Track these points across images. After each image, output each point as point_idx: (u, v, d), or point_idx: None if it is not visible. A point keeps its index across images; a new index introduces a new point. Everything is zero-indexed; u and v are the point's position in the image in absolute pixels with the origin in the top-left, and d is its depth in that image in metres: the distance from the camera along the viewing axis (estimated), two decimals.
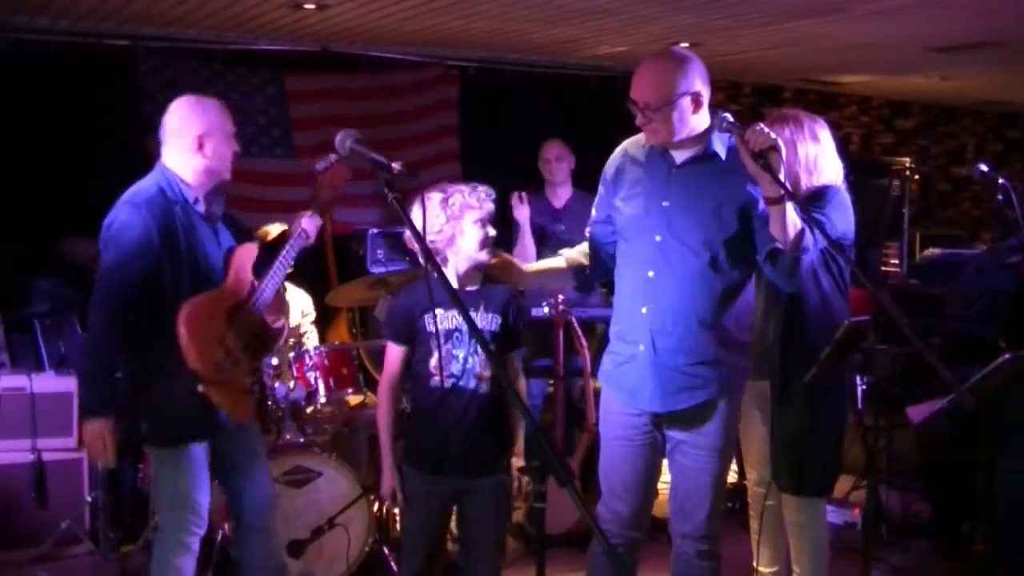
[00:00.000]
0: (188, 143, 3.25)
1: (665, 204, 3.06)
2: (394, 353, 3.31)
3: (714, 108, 2.99)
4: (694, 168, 3.06)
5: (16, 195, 5.71)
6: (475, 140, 6.98)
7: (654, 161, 3.11)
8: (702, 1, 5.28)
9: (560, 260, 3.46)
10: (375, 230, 6.29)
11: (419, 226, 2.68)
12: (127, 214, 3.19)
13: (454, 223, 3.19)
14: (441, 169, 6.95)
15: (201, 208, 3.31)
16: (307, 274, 5.37)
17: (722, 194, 3.04)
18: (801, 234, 2.87)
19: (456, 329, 3.20)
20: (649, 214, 3.08)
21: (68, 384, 4.89)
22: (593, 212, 3.37)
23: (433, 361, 3.19)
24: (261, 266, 3.39)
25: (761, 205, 2.99)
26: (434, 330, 3.14)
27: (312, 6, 5.42)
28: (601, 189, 3.32)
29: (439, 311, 3.12)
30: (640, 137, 3.17)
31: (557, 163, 5.58)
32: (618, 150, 3.27)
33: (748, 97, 8.47)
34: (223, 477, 3.45)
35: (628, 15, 5.63)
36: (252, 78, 6.48)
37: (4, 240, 5.55)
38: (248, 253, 3.39)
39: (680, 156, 3.07)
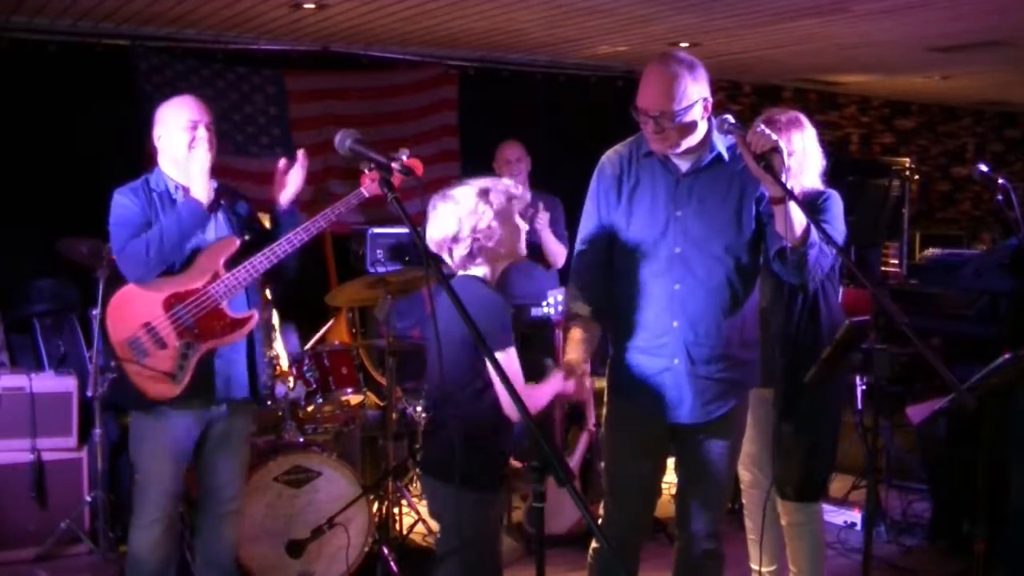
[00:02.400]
0: (156, 144, 3.54)
1: (679, 214, 3.02)
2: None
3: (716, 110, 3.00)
4: (704, 174, 3.04)
5: (16, 195, 5.71)
6: (474, 140, 6.97)
7: (656, 169, 3.06)
8: (702, 1, 5.28)
9: (585, 325, 3.14)
10: (375, 230, 6.30)
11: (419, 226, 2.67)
12: (114, 199, 3.48)
13: (504, 218, 2.93)
14: (440, 168, 6.94)
15: (182, 197, 3.47)
16: (306, 273, 5.37)
17: (735, 197, 3.03)
18: (808, 230, 2.86)
19: None
20: (663, 226, 3.02)
21: (68, 384, 4.88)
22: (581, 240, 3.17)
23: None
24: (243, 259, 3.49)
25: (765, 202, 3.00)
26: None
27: (312, 6, 5.41)
28: (592, 203, 3.16)
29: None
30: (630, 144, 3.12)
31: (518, 164, 5.47)
32: (608, 160, 3.16)
33: (748, 97, 8.46)
34: (196, 457, 3.60)
35: (628, 15, 5.63)
36: (252, 77, 6.47)
37: (4, 240, 5.55)
38: (223, 246, 3.49)
39: (684, 163, 3.04)
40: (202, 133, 3.44)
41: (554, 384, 2.98)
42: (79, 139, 5.84)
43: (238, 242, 3.51)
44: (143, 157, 5.99)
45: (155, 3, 5.30)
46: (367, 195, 3.68)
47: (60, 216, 5.43)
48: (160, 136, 3.49)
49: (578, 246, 3.20)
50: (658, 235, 3.03)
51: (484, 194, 2.93)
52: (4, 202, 5.67)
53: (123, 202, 3.44)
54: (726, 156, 3.04)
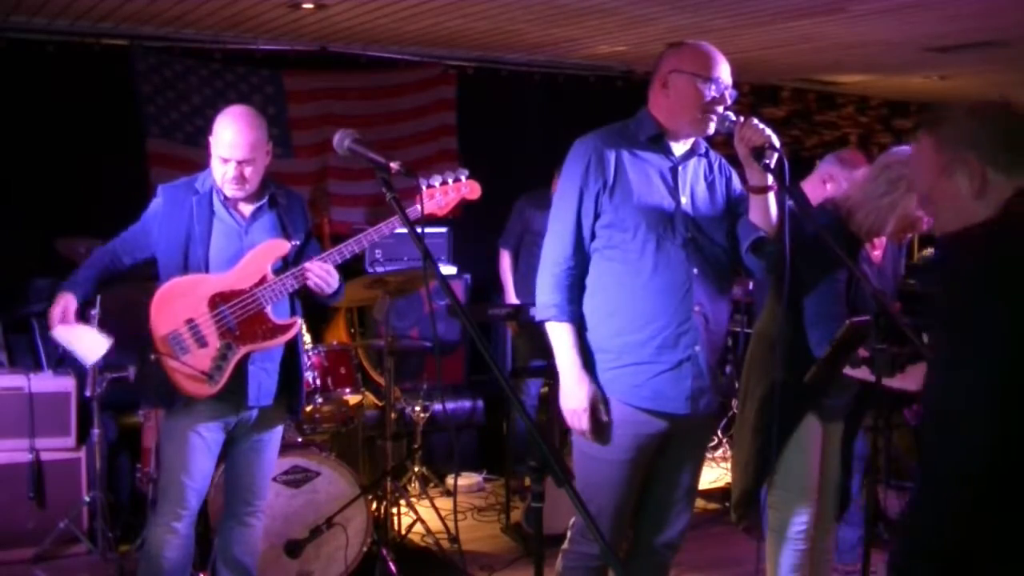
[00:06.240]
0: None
1: (684, 200, 3.00)
2: None
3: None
4: (695, 160, 3.07)
5: (14, 194, 5.71)
6: (473, 140, 6.98)
7: (651, 157, 3.02)
8: (700, 1, 5.28)
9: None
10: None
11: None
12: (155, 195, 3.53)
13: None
14: (439, 168, 6.94)
15: (225, 198, 3.46)
16: None
17: (720, 183, 3.08)
18: (782, 222, 2.89)
19: None
20: (671, 212, 2.97)
21: (66, 384, 4.88)
22: (562, 246, 2.98)
23: None
24: (293, 264, 3.46)
25: (738, 192, 3.05)
26: None
27: (310, 5, 5.41)
28: (572, 197, 2.97)
29: None
30: (610, 133, 3.05)
31: None
32: (594, 145, 2.99)
33: (746, 97, 8.46)
34: (225, 459, 3.62)
35: (627, 15, 5.63)
36: (250, 77, 6.47)
37: (2, 239, 5.55)
38: (271, 248, 3.45)
39: (679, 148, 3.05)
40: (231, 172, 3.37)
41: None
42: (78, 139, 5.84)
43: (288, 246, 3.46)
44: (142, 157, 6.02)
45: (153, 3, 5.29)
46: (420, 214, 3.48)
47: (59, 216, 5.44)
48: (211, 145, 3.42)
49: (560, 252, 3.00)
50: (667, 220, 2.96)
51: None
52: (3, 202, 5.67)
53: (153, 203, 3.49)
54: (703, 145, 3.10)
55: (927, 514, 1.98)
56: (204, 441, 3.45)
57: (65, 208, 5.60)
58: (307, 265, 3.41)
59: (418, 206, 3.42)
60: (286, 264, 3.46)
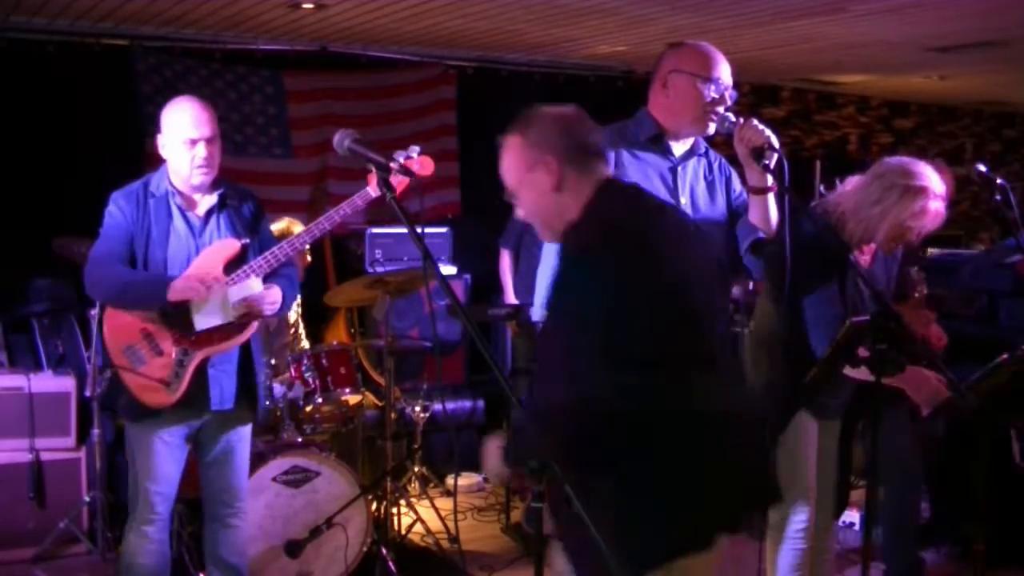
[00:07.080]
0: (160, 150, 3.40)
1: (683, 200, 3.00)
2: None
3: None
4: (694, 160, 3.07)
5: (14, 194, 5.71)
6: (473, 140, 6.97)
7: (650, 156, 3.02)
8: (701, 1, 5.28)
9: None
10: (373, 229, 6.30)
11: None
12: (108, 204, 3.41)
13: None
14: (439, 168, 6.93)
15: (180, 201, 3.40)
16: (305, 273, 5.38)
17: (720, 183, 3.07)
18: (782, 223, 2.89)
19: None
20: None
21: (66, 384, 4.88)
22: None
23: None
24: (242, 262, 3.40)
25: (737, 192, 3.02)
26: None
27: (310, 5, 5.41)
28: None
29: None
30: (614, 131, 3.04)
31: None
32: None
33: (746, 97, 8.46)
34: (198, 465, 3.60)
35: (627, 15, 5.63)
36: (250, 77, 6.47)
37: (2, 240, 5.55)
38: (221, 249, 3.40)
39: (678, 149, 3.05)
40: (201, 152, 3.31)
41: None
42: (78, 139, 5.84)
43: (239, 244, 3.41)
44: (142, 157, 6.01)
45: (153, 3, 5.29)
46: (374, 195, 3.51)
47: (59, 216, 5.43)
48: (163, 145, 3.37)
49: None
50: None
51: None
52: (3, 202, 5.67)
53: (112, 211, 3.37)
54: (702, 146, 3.10)
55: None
56: (168, 447, 3.42)
57: (65, 208, 5.58)
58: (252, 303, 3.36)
59: (369, 189, 3.47)
60: (238, 263, 3.40)
